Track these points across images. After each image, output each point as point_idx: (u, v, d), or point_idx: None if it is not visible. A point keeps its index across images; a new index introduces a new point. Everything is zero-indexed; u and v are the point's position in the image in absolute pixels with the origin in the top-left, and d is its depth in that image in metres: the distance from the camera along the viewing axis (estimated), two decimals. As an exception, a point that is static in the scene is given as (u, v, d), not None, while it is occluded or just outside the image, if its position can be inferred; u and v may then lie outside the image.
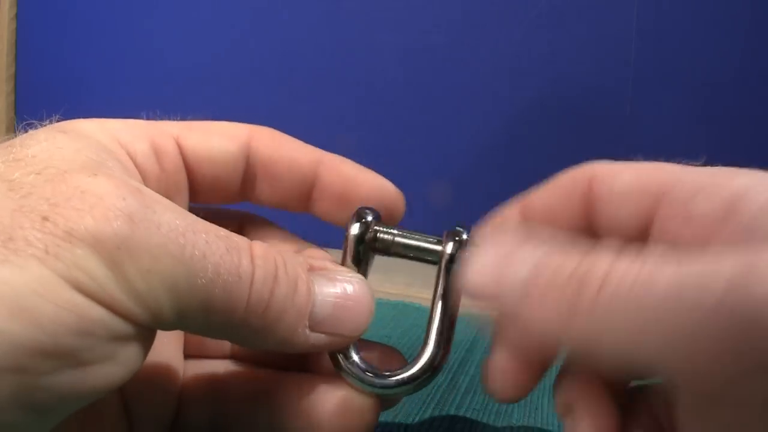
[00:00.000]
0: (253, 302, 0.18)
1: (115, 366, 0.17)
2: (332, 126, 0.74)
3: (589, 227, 0.23)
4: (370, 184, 0.25)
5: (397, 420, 0.31)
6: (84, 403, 0.17)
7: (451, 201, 0.66)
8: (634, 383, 0.23)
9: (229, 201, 0.26)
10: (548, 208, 0.24)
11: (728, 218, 0.19)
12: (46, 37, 0.86)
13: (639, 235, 0.22)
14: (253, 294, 0.18)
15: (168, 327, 0.18)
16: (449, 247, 0.23)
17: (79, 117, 0.22)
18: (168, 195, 0.20)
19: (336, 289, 0.21)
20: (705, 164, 0.22)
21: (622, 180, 0.23)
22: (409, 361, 0.24)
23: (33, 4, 0.86)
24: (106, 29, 0.84)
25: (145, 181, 0.22)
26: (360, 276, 0.22)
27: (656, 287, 0.16)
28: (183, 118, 0.25)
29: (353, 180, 0.25)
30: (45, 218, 0.16)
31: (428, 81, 0.70)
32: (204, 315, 0.18)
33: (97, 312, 0.16)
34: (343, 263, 0.23)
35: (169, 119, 0.25)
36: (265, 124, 0.25)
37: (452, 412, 0.32)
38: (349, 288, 0.21)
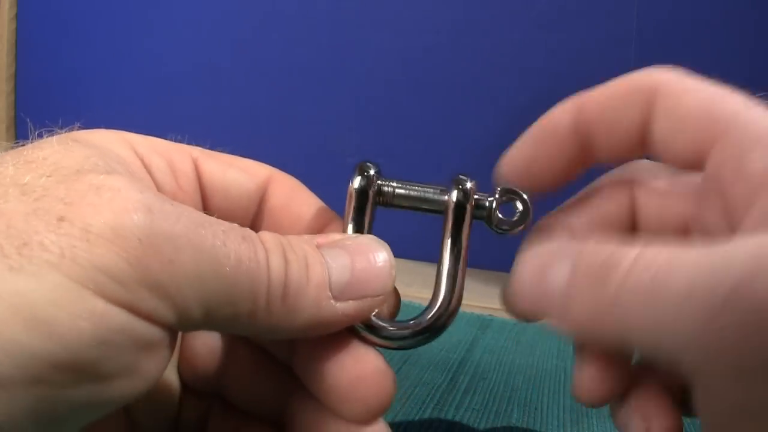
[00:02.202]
0: (273, 286, 0.18)
1: (136, 378, 0.16)
2: (332, 126, 0.74)
3: (642, 142, 0.23)
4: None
5: (396, 420, 0.31)
6: (101, 415, 0.17)
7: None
8: None
9: None
10: (604, 114, 0.23)
11: None
12: (46, 37, 0.86)
13: (689, 165, 0.22)
14: (272, 278, 0.18)
15: (194, 326, 0.18)
16: (455, 195, 0.22)
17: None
18: None
19: (348, 254, 0.20)
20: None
21: (685, 104, 0.21)
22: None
23: (33, 4, 0.87)
24: (106, 29, 0.84)
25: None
26: (369, 236, 0.22)
27: (672, 282, 0.16)
28: (197, 139, 0.23)
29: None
30: (61, 219, 0.15)
31: (429, 80, 0.70)
32: (231, 307, 0.17)
33: (118, 317, 0.15)
34: (345, 219, 0.23)
35: (185, 140, 0.23)
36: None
37: (452, 412, 0.32)
38: (361, 249, 0.20)
